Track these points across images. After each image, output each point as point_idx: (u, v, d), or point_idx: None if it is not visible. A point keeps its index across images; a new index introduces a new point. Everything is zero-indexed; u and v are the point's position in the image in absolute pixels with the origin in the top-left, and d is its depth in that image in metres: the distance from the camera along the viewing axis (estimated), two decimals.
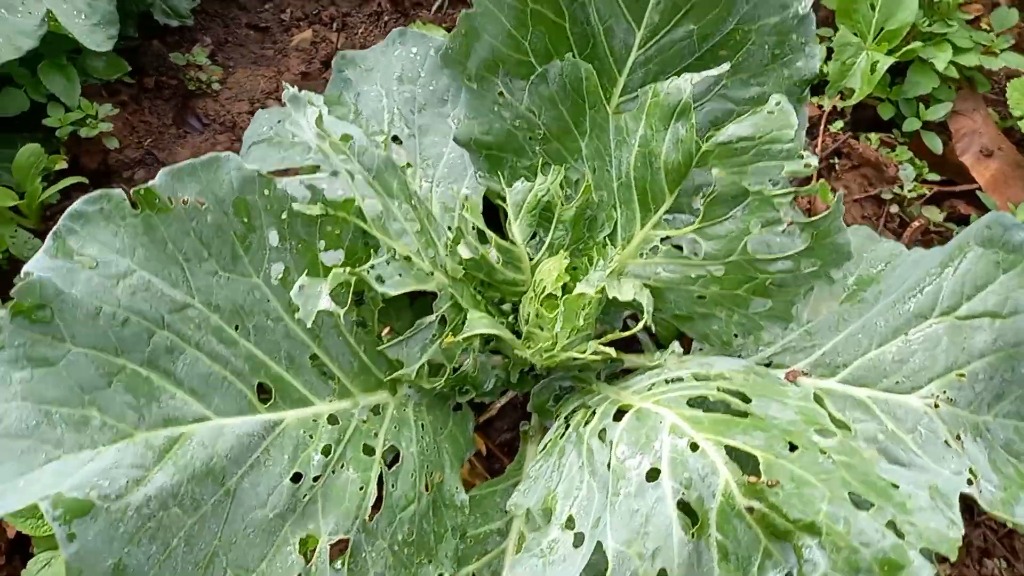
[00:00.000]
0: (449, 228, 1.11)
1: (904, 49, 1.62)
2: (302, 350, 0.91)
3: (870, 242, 1.24)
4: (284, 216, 0.88)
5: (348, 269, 0.83)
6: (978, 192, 1.62)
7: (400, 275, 0.92)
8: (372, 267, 0.89)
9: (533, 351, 1.04)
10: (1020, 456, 1.04)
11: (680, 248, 1.08)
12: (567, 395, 1.09)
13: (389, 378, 0.98)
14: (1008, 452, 1.04)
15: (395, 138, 1.33)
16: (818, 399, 0.99)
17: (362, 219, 0.91)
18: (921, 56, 1.64)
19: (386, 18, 2.09)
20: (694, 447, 0.83)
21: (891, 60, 1.58)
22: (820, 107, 1.65)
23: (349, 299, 0.83)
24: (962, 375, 1.04)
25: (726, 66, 0.99)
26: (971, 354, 1.04)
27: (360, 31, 2.11)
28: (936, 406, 1.03)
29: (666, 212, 1.07)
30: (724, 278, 1.05)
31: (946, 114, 1.67)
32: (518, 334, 1.10)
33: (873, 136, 1.64)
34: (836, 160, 1.60)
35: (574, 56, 1.09)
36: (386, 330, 1.04)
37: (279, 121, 1.37)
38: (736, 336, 1.11)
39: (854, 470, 0.80)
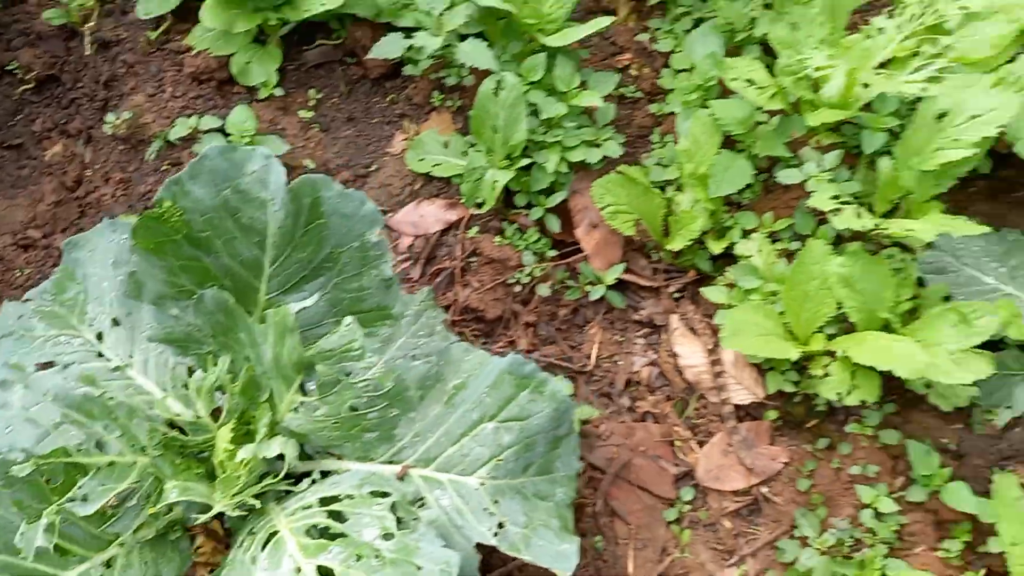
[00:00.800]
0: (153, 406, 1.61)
1: (522, 162, 2.14)
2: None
3: (466, 353, 1.81)
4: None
5: (56, 507, 1.33)
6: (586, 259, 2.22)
7: (103, 485, 1.42)
8: (80, 487, 1.39)
9: (219, 492, 1.58)
10: (547, 497, 1.69)
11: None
12: (250, 516, 1.64)
13: (115, 542, 1.50)
14: (538, 498, 1.68)
15: (115, 320, 1.77)
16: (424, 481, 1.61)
17: (67, 455, 1.39)
18: (536, 161, 2.18)
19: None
20: (298, 570, 1.41)
21: (510, 175, 2.11)
22: (460, 218, 2.19)
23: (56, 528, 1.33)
24: (500, 460, 1.65)
25: (314, 297, 1.51)
26: (506, 445, 1.65)
27: (104, 147, 2.42)
28: (483, 483, 1.65)
29: (301, 384, 1.61)
30: (341, 426, 1.61)
31: (564, 198, 2.24)
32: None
33: (509, 228, 2.19)
34: (473, 260, 2.15)
35: (220, 286, 1.57)
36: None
37: (20, 317, 1.77)
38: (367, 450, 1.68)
39: (396, 564, 1.40)
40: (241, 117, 2.17)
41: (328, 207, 1.54)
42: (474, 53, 2.09)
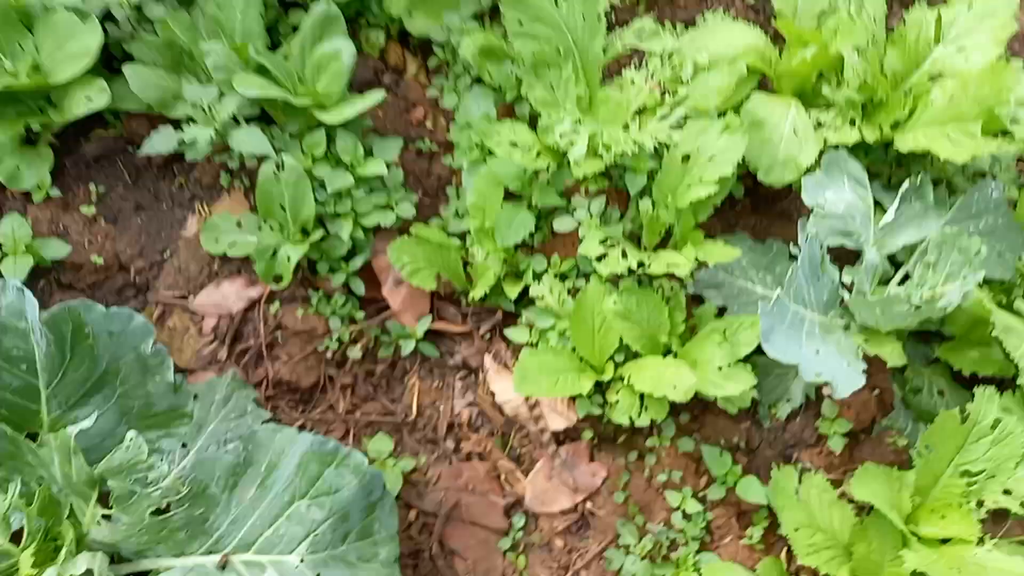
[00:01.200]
0: None
1: (317, 234, 2.19)
2: None
3: (275, 433, 1.84)
4: None
5: None
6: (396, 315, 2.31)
7: None
8: None
9: None
10: (371, 559, 1.75)
11: None
12: None
13: None
14: (363, 561, 1.74)
15: None
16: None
17: None
18: (332, 231, 2.24)
19: None
20: None
21: (304, 248, 2.16)
22: (261, 294, 2.21)
23: None
24: (317, 534, 1.70)
25: (92, 418, 1.50)
26: (320, 520, 1.70)
27: None
28: (303, 560, 1.69)
29: (101, 495, 1.59)
30: (148, 531, 1.61)
31: (367, 260, 2.31)
32: None
33: (315, 296, 2.24)
34: (279, 332, 2.18)
35: None
36: None
37: None
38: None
39: None
40: (13, 225, 2.09)
41: (94, 328, 1.55)
42: (248, 141, 2.13)
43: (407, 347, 2.24)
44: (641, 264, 2.02)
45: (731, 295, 2.30)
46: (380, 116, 2.54)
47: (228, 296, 2.22)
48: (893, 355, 2.01)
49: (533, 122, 2.49)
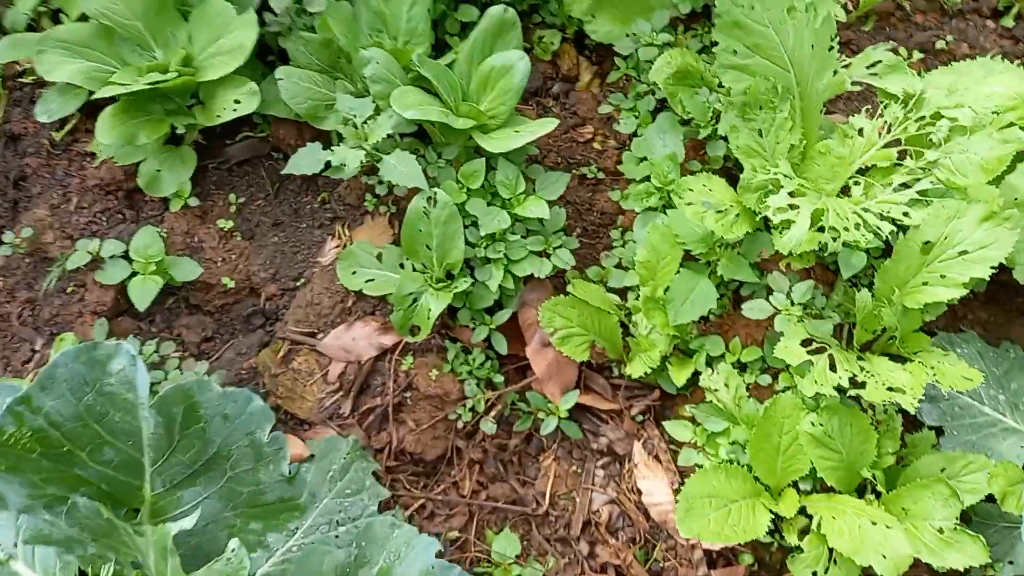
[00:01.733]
0: None
1: (463, 283, 1.91)
2: None
3: (392, 530, 1.61)
4: None
5: None
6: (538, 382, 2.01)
7: None
8: None
9: None
10: None
11: None
12: None
13: None
14: None
15: None
16: None
17: None
18: (479, 279, 1.96)
19: None
20: None
21: (447, 299, 1.89)
22: (395, 343, 1.97)
23: None
24: None
25: (190, 521, 1.30)
26: None
27: (10, 258, 2.19)
28: None
29: None
30: None
31: (513, 312, 2.02)
32: None
33: (452, 348, 1.98)
34: (408, 396, 1.94)
35: (97, 489, 1.37)
36: None
37: None
38: None
39: None
40: (145, 241, 1.94)
41: (208, 410, 1.35)
42: (400, 170, 1.86)
43: (548, 425, 1.95)
44: (854, 381, 1.61)
45: (950, 413, 1.85)
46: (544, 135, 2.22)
47: (359, 341, 1.99)
48: None
49: (727, 171, 2.09)
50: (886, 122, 1.81)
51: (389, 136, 1.94)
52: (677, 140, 2.01)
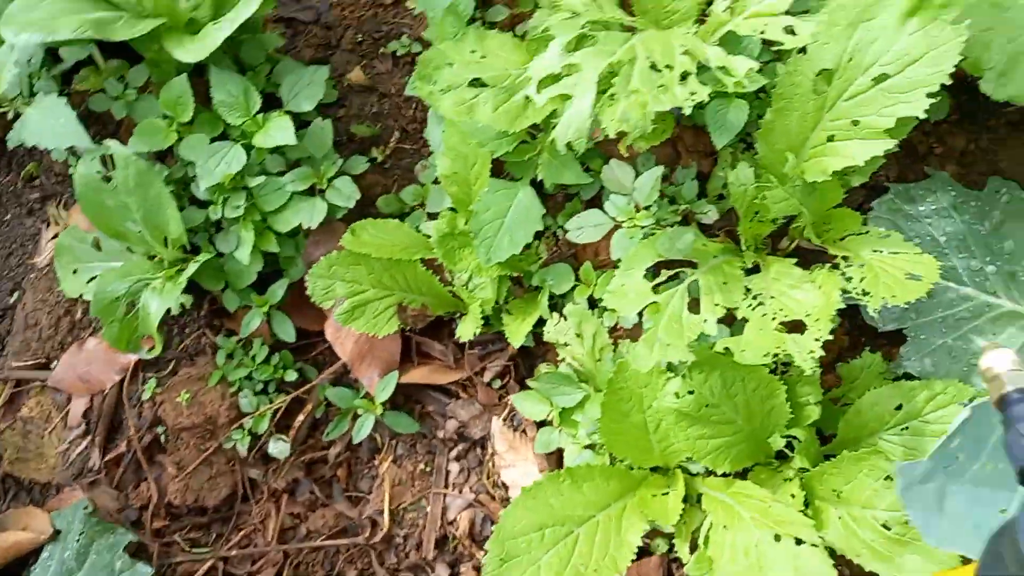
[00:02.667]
0: None
1: (188, 271, 1.35)
2: None
3: None
4: None
5: None
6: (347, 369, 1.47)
7: None
8: None
9: None
10: None
11: None
12: None
13: None
14: None
15: None
16: None
17: None
18: (219, 249, 1.39)
19: None
20: None
21: (175, 294, 1.33)
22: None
23: None
24: None
25: None
26: None
27: None
28: None
29: None
30: None
31: (298, 279, 1.46)
32: None
33: (226, 344, 1.44)
34: (161, 429, 1.41)
35: None
36: None
37: None
38: None
39: None
40: None
41: None
42: (38, 126, 1.25)
43: (363, 426, 1.42)
44: (735, 317, 1.02)
45: (914, 307, 1.26)
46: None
47: (96, 365, 1.46)
48: None
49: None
50: None
51: (35, 76, 1.32)
52: None
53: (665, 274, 1.08)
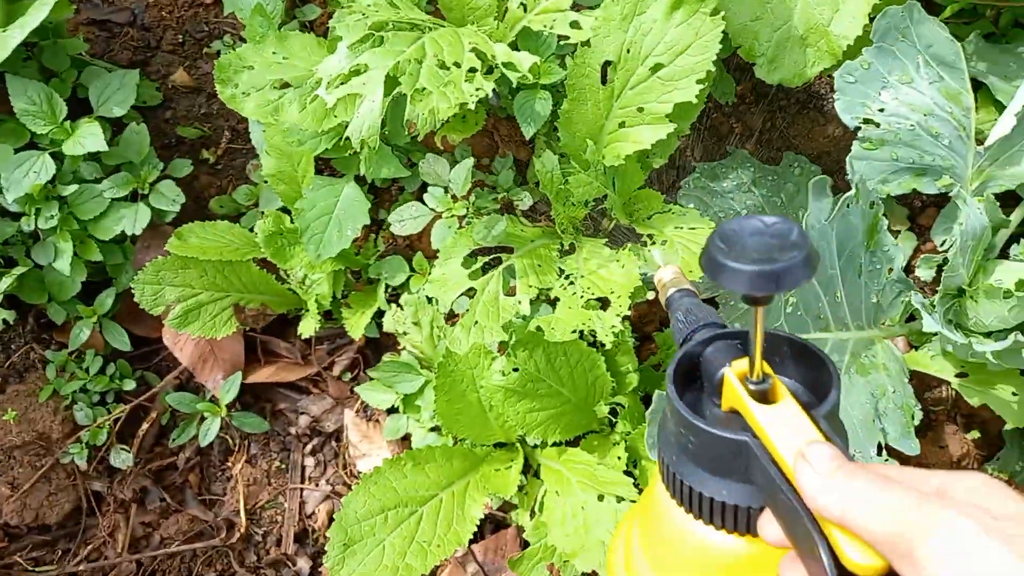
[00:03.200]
0: None
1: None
2: None
3: None
4: None
5: None
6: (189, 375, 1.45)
7: None
8: None
9: None
10: None
11: None
12: None
13: None
14: None
15: None
16: None
17: None
18: (35, 261, 1.33)
19: None
20: None
21: None
22: None
23: None
24: None
25: None
26: None
27: None
28: None
29: None
30: None
31: (123, 290, 1.42)
32: None
33: (55, 358, 1.39)
34: None
35: None
36: None
37: None
38: None
39: None
40: None
41: None
42: None
43: (209, 430, 1.41)
44: (547, 297, 1.09)
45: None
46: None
47: None
48: (1007, 409, 1.09)
49: None
50: None
51: None
52: None
53: (484, 261, 1.13)
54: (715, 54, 0.99)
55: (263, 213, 1.47)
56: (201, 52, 1.66)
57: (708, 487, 0.49)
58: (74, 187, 1.32)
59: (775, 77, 1.16)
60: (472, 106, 0.91)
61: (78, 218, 1.34)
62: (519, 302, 1.06)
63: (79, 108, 1.40)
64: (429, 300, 1.33)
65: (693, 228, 1.16)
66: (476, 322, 1.03)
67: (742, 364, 0.50)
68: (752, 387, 0.49)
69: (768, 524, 0.47)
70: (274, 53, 1.11)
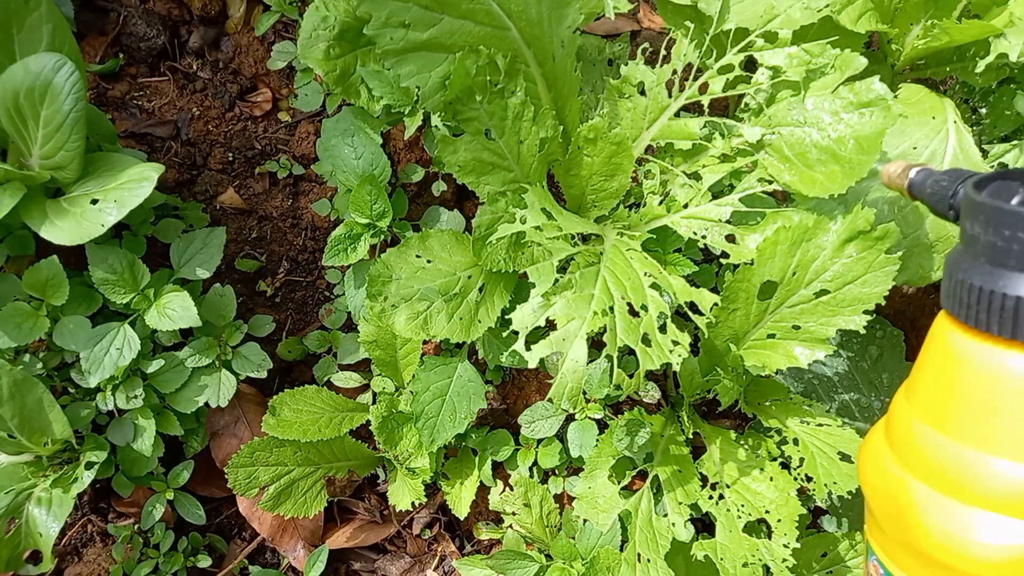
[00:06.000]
0: None
1: (78, 477, 1.18)
2: None
3: None
4: None
5: None
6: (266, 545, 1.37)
7: None
8: None
9: None
10: None
11: None
12: None
13: None
14: None
15: None
16: None
17: None
18: (113, 441, 1.22)
19: None
20: None
21: (70, 504, 1.16)
22: None
23: None
24: None
25: None
26: None
27: None
28: None
29: None
30: None
31: (200, 452, 1.32)
32: None
33: (122, 533, 1.27)
34: None
35: None
36: None
37: None
38: None
39: None
40: None
41: None
42: None
43: None
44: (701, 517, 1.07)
45: None
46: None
47: None
48: None
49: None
50: (675, 70, 1.13)
51: None
52: (372, 146, 1.25)
53: (628, 474, 1.10)
54: (887, 289, 1.00)
55: (340, 366, 1.39)
56: (252, 171, 1.56)
57: None
58: (159, 363, 1.21)
59: (901, 279, 1.18)
60: (677, 367, 0.88)
61: (158, 391, 1.24)
62: (673, 524, 1.04)
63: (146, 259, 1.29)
64: (532, 475, 1.29)
65: (820, 425, 1.16)
66: (639, 554, 1.01)
67: None
68: None
69: None
70: (417, 256, 1.05)
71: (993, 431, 0.46)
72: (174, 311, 1.19)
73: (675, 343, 0.89)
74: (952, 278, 0.49)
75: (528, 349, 0.87)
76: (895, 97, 1.14)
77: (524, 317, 0.88)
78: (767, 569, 1.00)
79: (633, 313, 0.91)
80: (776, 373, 1.26)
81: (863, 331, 1.07)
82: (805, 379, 1.39)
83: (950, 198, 0.58)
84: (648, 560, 1.00)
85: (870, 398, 1.39)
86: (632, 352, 0.88)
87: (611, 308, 0.90)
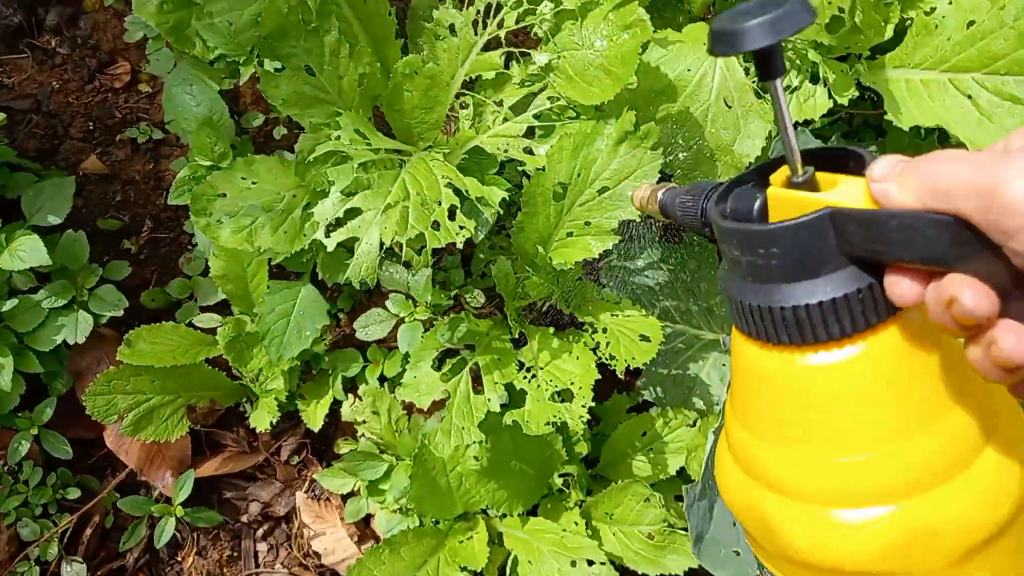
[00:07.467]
0: None
1: None
2: None
3: None
4: None
5: None
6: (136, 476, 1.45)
7: None
8: None
9: None
10: None
11: None
12: None
13: None
14: None
15: None
16: None
17: None
18: None
19: None
20: None
21: None
22: None
23: None
24: None
25: None
26: None
27: None
28: None
29: None
30: None
31: (64, 394, 1.39)
32: None
33: None
34: None
35: None
36: None
37: None
38: None
39: None
40: None
41: None
42: None
43: (164, 530, 1.41)
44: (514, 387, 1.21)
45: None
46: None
47: None
48: None
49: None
50: (479, 10, 1.28)
51: None
52: (211, 93, 1.36)
53: (448, 362, 1.24)
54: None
55: (200, 307, 1.49)
56: (114, 139, 1.63)
57: (802, 295, 0.45)
58: (13, 302, 1.29)
59: None
60: (460, 244, 1.02)
61: (15, 331, 1.31)
62: (488, 399, 1.18)
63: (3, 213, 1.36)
64: (383, 386, 1.42)
65: (627, 315, 1.33)
66: (454, 424, 1.14)
67: (778, 177, 0.49)
68: (800, 181, 0.46)
69: (896, 283, 0.43)
70: (243, 179, 1.16)
71: (816, 431, 0.47)
72: (24, 252, 1.27)
73: (461, 227, 1.04)
74: (731, 300, 0.49)
75: (327, 236, 1.00)
76: (681, 32, 1.32)
77: (324, 211, 1.01)
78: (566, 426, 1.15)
79: (426, 207, 1.05)
80: (602, 288, 1.43)
81: (684, 247, 1.23)
82: (629, 289, 1.55)
83: (701, 218, 0.57)
84: (463, 428, 1.14)
85: (688, 303, 1.57)
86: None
87: (406, 203, 1.04)
